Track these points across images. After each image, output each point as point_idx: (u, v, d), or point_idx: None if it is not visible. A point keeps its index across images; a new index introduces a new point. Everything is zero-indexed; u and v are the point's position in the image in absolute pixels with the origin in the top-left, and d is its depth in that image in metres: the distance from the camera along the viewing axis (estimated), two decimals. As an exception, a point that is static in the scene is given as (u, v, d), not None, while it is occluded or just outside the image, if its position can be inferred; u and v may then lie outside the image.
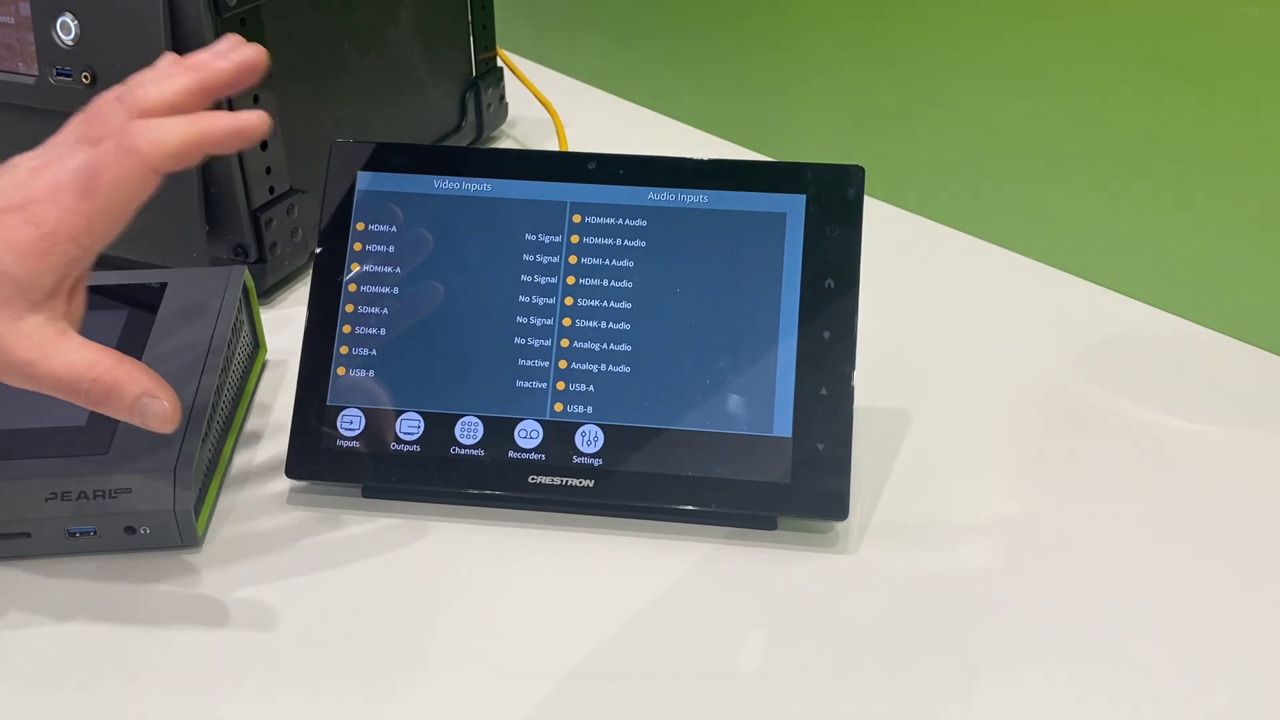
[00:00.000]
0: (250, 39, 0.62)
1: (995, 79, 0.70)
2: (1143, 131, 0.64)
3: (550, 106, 0.85)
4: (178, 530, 0.48)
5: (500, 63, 0.88)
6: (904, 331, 0.64)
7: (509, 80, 0.88)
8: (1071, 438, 0.56)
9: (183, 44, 0.60)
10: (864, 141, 0.78)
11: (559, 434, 0.50)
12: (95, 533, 0.48)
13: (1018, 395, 0.60)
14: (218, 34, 0.60)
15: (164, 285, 0.58)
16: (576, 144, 0.84)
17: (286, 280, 0.69)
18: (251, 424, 0.57)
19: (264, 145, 0.65)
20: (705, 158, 0.53)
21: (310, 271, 0.53)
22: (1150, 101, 0.63)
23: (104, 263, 0.69)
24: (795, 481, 0.49)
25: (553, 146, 0.86)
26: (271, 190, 0.66)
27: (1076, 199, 0.68)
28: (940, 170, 0.74)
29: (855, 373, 0.50)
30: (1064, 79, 0.67)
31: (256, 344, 0.61)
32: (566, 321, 0.52)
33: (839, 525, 0.50)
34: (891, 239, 0.72)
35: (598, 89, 0.96)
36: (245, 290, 0.59)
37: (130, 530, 0.48)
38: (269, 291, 0.68)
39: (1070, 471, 0.54)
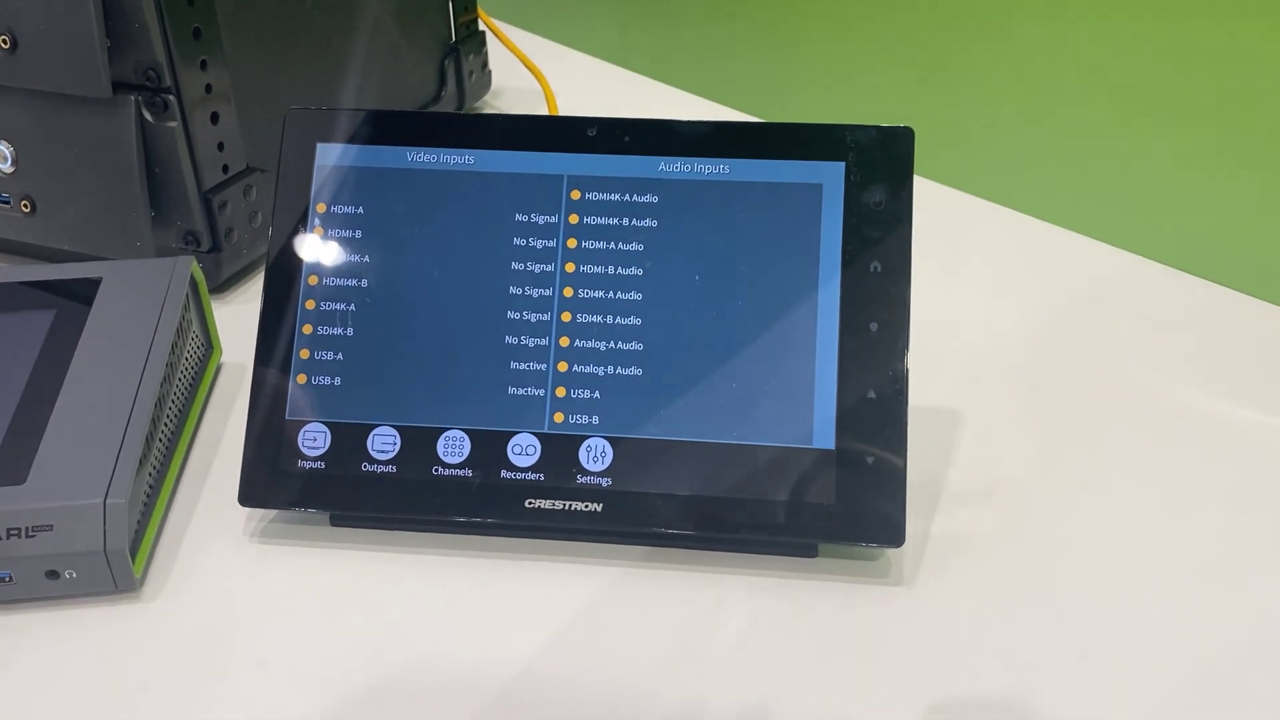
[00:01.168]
0: (194, -5, 0.55)
1: (1036, 32, 0.62)
2: (1219, 100, 0.57)
3: (539, 73, 0.77)
4: (110, 574, 0.41)
5: (483, 26, 0.80)
6: (947, 318, 0.57)
7: (493, 45, 0.80)
8: (1157, 443, 0.49)
9: (112, 4, 0.52)
10: (890, 107, 0.70)
11: (560, 449, 0.43)
12: (10, 578, 0.40)
13: (1083, 390, 0.52)
14: (154, -9, 0.52)
15: (98, 280, 0.50)
16: (569, 114, 0.76)
17: (245, 271, 0.62)
18: (202, 440, 0.50)
19: (215, 118, 0.57)
20: (725, 120, 0.45)
21: (265, 262, 0.45)
22: (1221, 64, 0.56)
23: (35, 254, 0.62)
24: (840, 502, 0.41)
25: (542, 118, 0.78)
26: (225, 169, 0.58)
27: (1141, 171, 0.61)
28: (981, 137, 0.67)
29: (908, 370, 0.42)
30: (1120, 28, 0.59)
31: (209, 345, 0.54)
32: (566, 317, 0.44)
33: (891, 551, 0.43)
34: (925, 215, 0.65)
35: (590, 55, 0.88)
36: (194, 283, 0.52)
37: (53, 575, 0.41)
38: (225, 284, 0.60)
39: (1159, 479, 0.47)
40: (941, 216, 0.66)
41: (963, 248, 0.64)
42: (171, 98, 0.54)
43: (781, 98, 0.76)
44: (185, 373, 0.50)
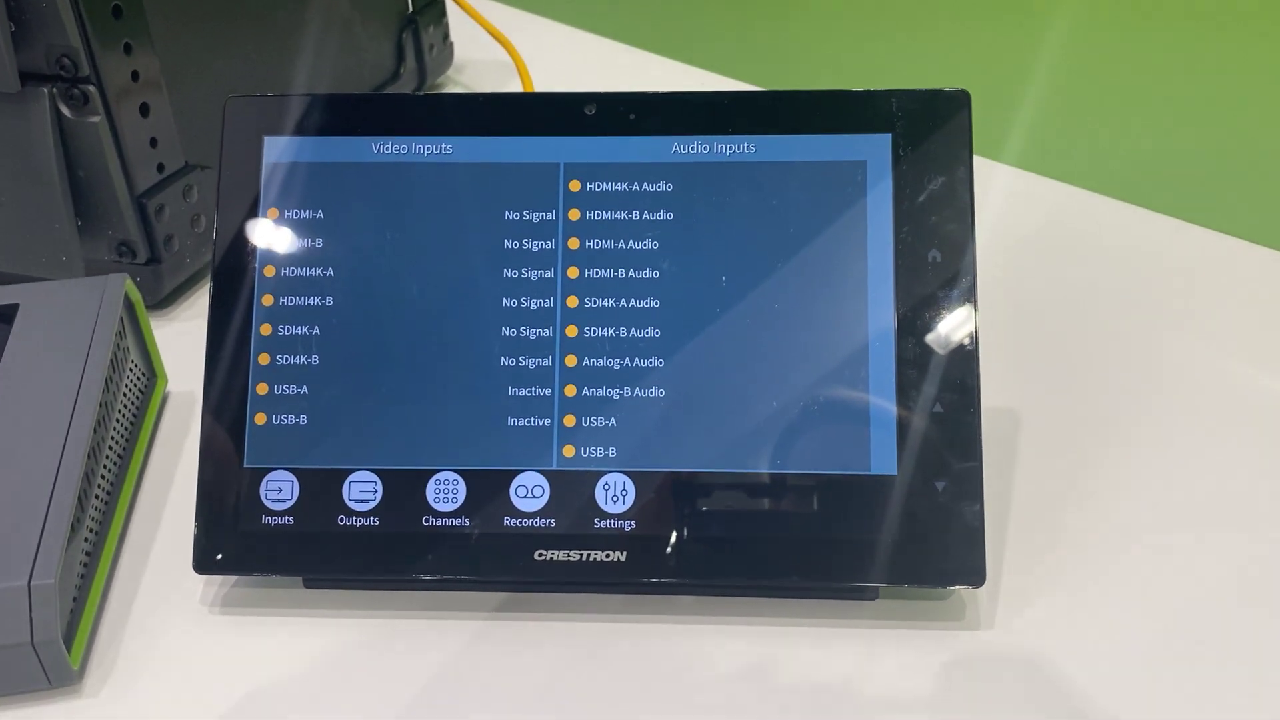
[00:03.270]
0: (111, -32, 0.47)
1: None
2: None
3: (508, 43, 0.70)
4: (42, 668, 0.34)
5: (442, -7, 0.72)
6: (1001, 306, 0.50)
7: (453, 14, 0.73)
8: (1234, 436, 0.43)
9: (14, -23, 0.44)
10: (906, 70, 0.64)
11: (573, 489, 0.36)
12: (-81, 682, 0.34)
13: (1171, 384, 0.46)
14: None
15: (15, 307, 0.43)
16: (544, 89, 0.69)
17: (190, 282, 0.54)
18: (149, 490, 0.43)
19: (145, 110, 0.49)
20: (747, 90, 0.38)
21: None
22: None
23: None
24: (906, 537, 0.35)
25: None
26: (160, 168, 0.51)
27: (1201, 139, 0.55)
28: (1017, 102, 0.60)
29: (980, 378, 0.36)
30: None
31: (151, 374, 0.47)
32: (571, 331, 0.37)
33: (963, 590, 0.37)
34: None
35: (560, 22, 0.81)
36: (129, 304, 0.44)
37: (-29, 674, 0.34)
38: (168, 299, 0.53)
39: (1248, 485, 0.41)
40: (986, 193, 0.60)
41: (1016, 227, 0.57)
42: (92, 88, 0.47)
43: (781, 63, 0.69)
44: (124, 411, 0.43)
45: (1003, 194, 0.59)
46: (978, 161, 0.61)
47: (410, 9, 0.69)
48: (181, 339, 0.50)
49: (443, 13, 0.72)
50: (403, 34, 0.69)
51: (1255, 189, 0.54)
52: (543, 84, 0.69)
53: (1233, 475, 0.41)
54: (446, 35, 0.73)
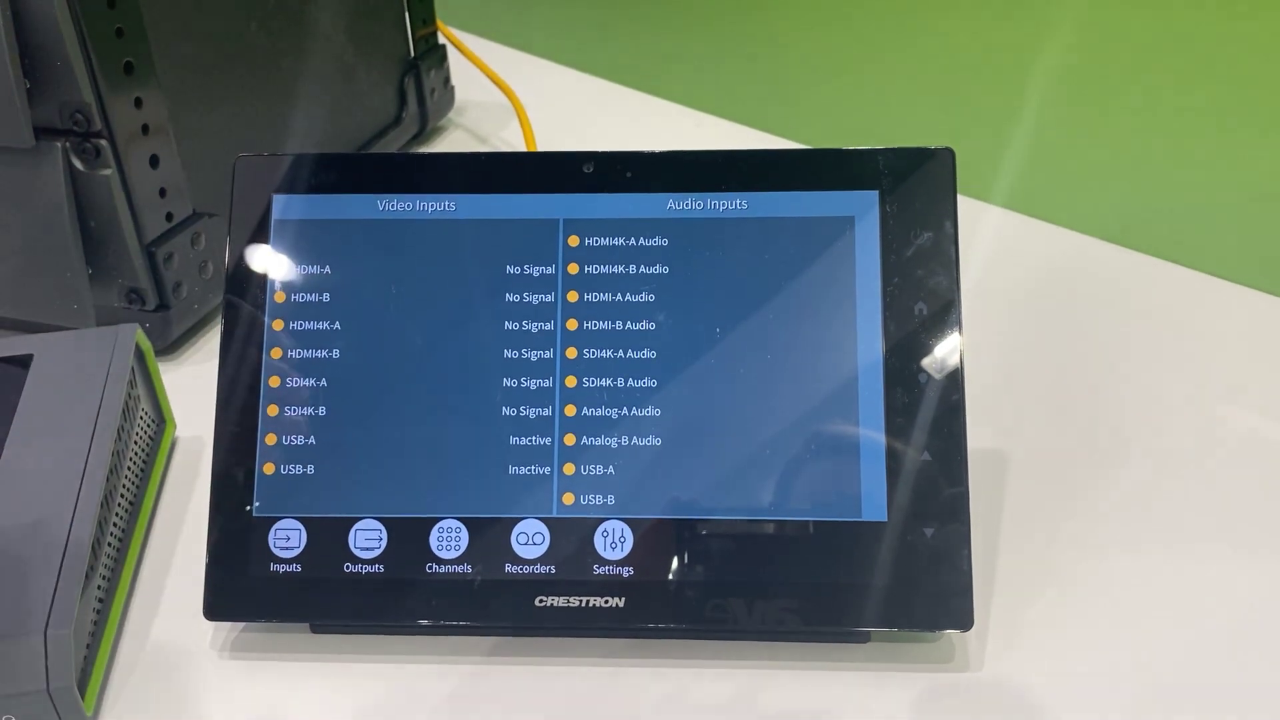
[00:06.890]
0: (127, 23, 0.48)
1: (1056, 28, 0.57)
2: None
3: (507, 88, 0.71)
4: (56, 714, 0.35)
5: (443, 39, 0.74)
6: (989, 347, 0.52)
7: (454, 59, 0.75)
8: (1219, 468, 0.44)
9: (27, 27, 0.45)
10: (904, 115, 0.65)
11: (572, 536, 0.37)
12: (-62, 729, 0.35)
13: (1159, 426, 0.47)
14: (74, 15, 0.46)
15: (29, 358, 0.44)
16: (543, 131, 0.70)
17: (198, 327, 0.55)
18: (159, 535, 0.44)
19: (154, 161, 0.51)
20: (740, 149, 0.40)
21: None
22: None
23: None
24: (896, 582, 0.36)
25: (513, 134, 0.72)
26: (169, 217, 0.52)
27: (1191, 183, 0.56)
28: (1010, 146, 0.62)
29: (966, 425, 0.37)
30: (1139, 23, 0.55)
31: (160, 421, 0.48)
32: (570, 382, 0.38)
33: (954, 632, 0.38)
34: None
35: (559, 64, 0.83)
36: (139, 354, 0.46)
37: (-12, 721, 0.35)
38: (176, 343, 0.54)
39: (1231, 513, 0.42)
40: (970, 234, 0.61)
41: (999, 268, 0.59)
42: (104, 142, 0.48)
43: (774, 102, 0.70)
44: (135, 459, 0.44)
45: (992, 235, 0.61)
46: (967, 203, 0.62)
47: (412, 54, 0.71)
48: (190, 383, 0.51)
49: (444, 57, 0.74)
50: (404, 79, 0.70)
51: (1241, 231, 0.56)
52: (542, 126, 0.70)
53: (1222, 517, 0.42)
54: (448, 79, 0.75)
